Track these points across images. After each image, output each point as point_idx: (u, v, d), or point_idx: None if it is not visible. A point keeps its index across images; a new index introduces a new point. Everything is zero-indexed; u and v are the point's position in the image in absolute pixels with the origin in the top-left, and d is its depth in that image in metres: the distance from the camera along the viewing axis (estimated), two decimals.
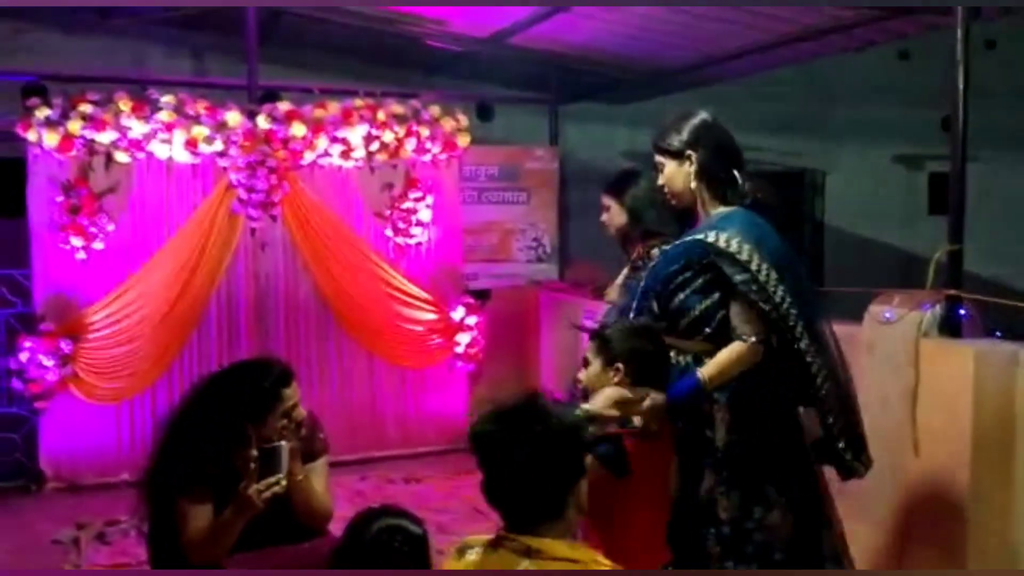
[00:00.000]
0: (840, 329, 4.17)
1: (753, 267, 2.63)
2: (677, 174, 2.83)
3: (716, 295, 2.69)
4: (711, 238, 2.68)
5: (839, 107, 7.76)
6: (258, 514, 2.59)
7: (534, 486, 1.81)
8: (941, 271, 3.71)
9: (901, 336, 3.65)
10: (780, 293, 2.65)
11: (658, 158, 2.91)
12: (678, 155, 2.82)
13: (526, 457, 1.79)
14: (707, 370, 2.64)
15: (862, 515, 3.86)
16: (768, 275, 2.64)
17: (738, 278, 2.63)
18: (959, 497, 3.37)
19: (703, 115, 2.87)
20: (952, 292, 3.63)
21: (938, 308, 3.61)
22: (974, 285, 3.84)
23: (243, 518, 2.59)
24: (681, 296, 2.72)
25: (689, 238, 2.77)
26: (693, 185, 2.81)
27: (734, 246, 2.65)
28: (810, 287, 2.95)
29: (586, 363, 2.69)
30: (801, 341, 2.73)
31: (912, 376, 3.57)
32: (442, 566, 1.97)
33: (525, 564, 1.78)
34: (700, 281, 2.71)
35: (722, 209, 2.80)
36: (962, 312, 3.66)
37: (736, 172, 2.86)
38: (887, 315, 3.74)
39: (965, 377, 3.35)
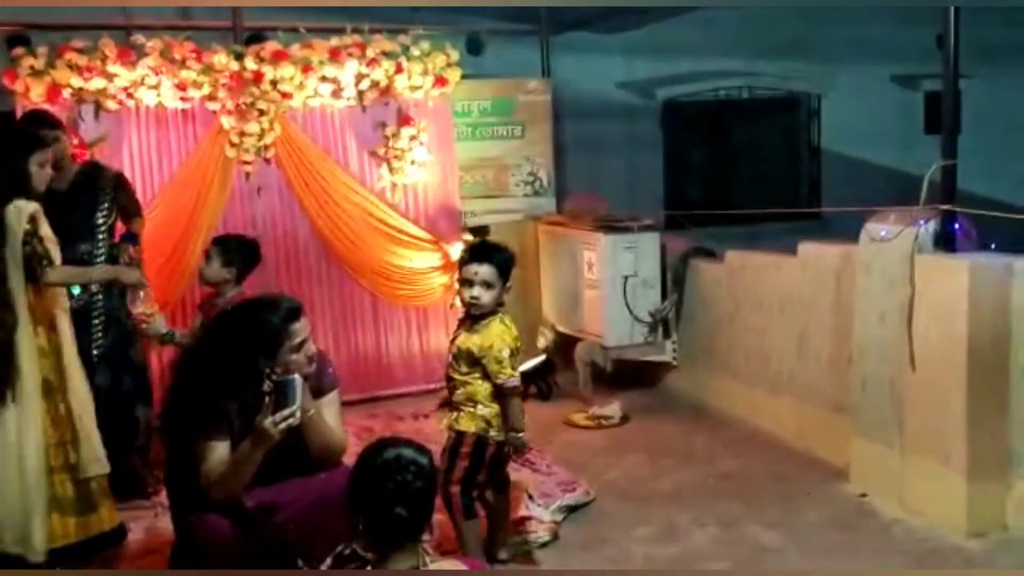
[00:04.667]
0: (837, 249, 4.26)
1: None
2: None
3: None
4: None
5: (833, 28, 7.64)
6: (274, 447, 2.66)
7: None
8: (936, 188, 3.73)
9: (897, 252, 3.69)
10: None
11: None
12: None
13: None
14: None
15: (862, 429, 3.96)
16: None
17: None
18: (956, 408, 3.45)
19: None
20: (946, 207, 3.65)
21: (933, 224, 3.64)
22: (971, 202, 3.86)
23: (260, 450, 2.65)
24: None
25: None
26: None
27: None
28: None
29: None
30: None
31: (908, 291, 3.62)
32: None
33: None
34: None
35: None
36: (956, 227, 3.69)
37: None
38: (883, 233, 3.78)
39: (960, 290, 3.40)
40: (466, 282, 3.20)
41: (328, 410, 2.89)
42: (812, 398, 4.48)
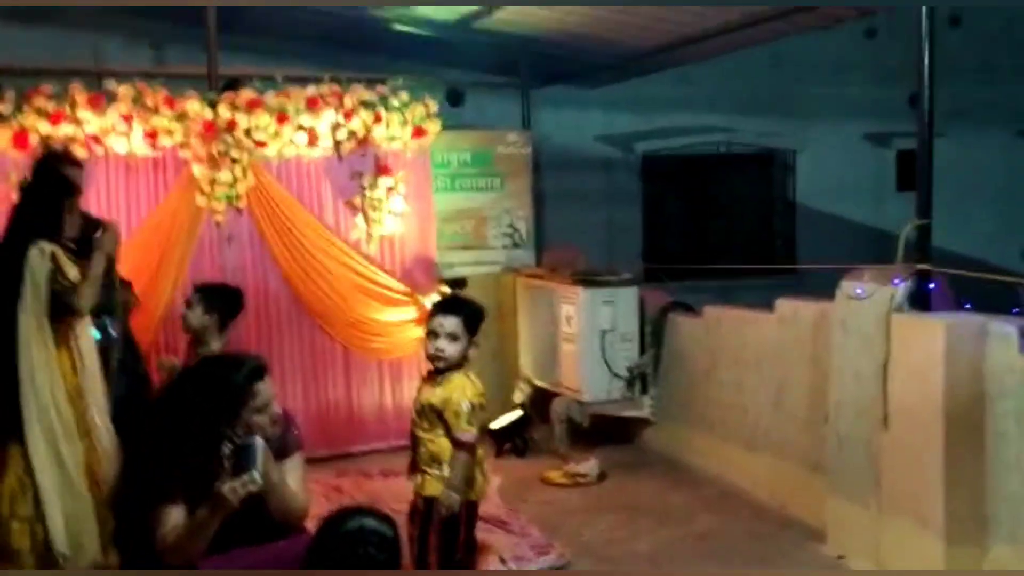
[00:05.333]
0: (813, 306, 4.24)
1: None
2: None
3: None
4: None
5: (808, 86, 7.78)
6: (232, 512, 2.55)
7: None
8: (910, 246, 3.73)
9: (873, 311, 3.67)
10: None
11: None
12: None
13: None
14: None
15: (839, 488, 3.90)
16: None
17: None
18: (933, 470, 3.40)
19: None
20: (921, 266, 3.65)
21: (908, 283, 3.63)
22: (944, 258, 3.87)
23: (218, 517, 2.54)
24: None
25: None
26: None
27: None
28: None
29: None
30: None
31: (884, 350, 3.59)
32: None
33: None
34: None
35: None
36: (932, 286, 3.69)
37: None
38: (858, 291, 3.76)
39: (936, 350, 3.37)
40: (432, 333, 3.14)
41: (291, 474, 2.79)
42: (788, 455, 4.42)
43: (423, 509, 3.11)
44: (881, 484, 3.65)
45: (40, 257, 3.19)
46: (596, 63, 6.43)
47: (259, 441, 2.59)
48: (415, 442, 3.17)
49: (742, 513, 4.39)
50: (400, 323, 5.55)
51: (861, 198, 8.07)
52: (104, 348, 3.80)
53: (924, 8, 3.64)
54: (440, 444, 3.08)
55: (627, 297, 5.21)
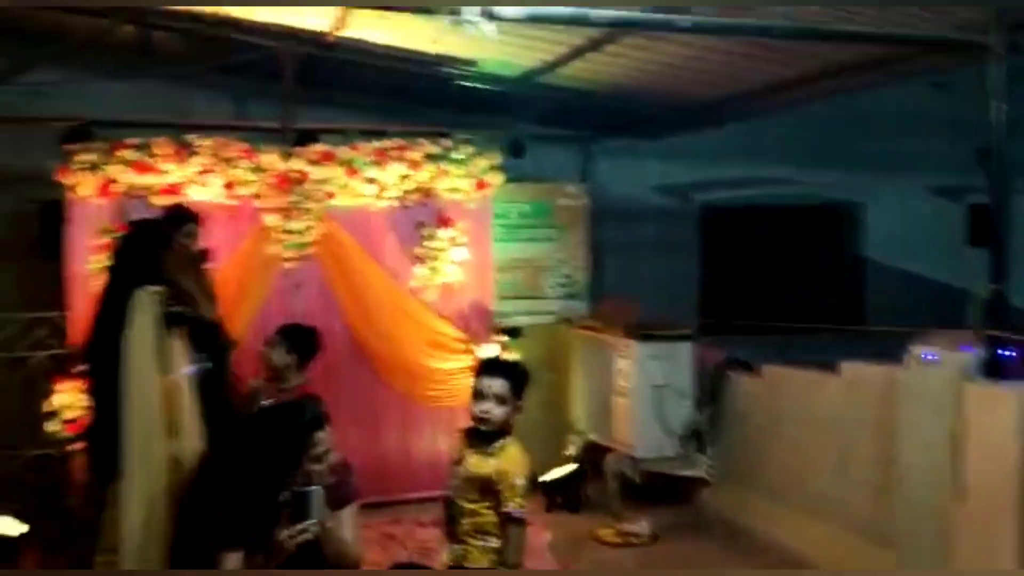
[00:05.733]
0: (881, 369, 4.14)
1: None
2: None
3: None
4: None
5: (875, 138, 7.66)
6: (288, 557, 2.59)
7: None
8: (984, 309, 3.63)
9: (943, 378, 3.57)
10: None
11: None
12: None
13: None
14: None
15: (907, 561, 3.75)
16: None
17: None
18: (1007, 545, 3.26)
19: None
20: (993, 332, 3.54)
21: (980, 349, 3.53)
22: (1020, 321, 3.74)
23: (273, 563, 2.58)
24: None
25: None
26: None
27: None
28: None
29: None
30: None
31: (954, 421, 3.48)
32: None
33: None
34: None
35: None
36: (1006, 353, 3.57)
37: None
38: (929, 356, 3.66)
39: (1009, 422, 3.26)
40: (478, 394, 3.00)
41: (346, 523, 2.83)
42: (853, 525, 4.28)
43: None
44: (953, 558, 3.51)
45: (147, 299, 3.46)
46: (654, 115, 6.46)
47: (317, 490, 2.63)
48: (453, 509, 3.00)
49: None
50: (455, 371, 5.59)
51: (932, 253, 7.84)
52: (201, 383, 3.94)
53: (992, 66, 3.60)
54: (488, 516, 2.92)
55: (683, 352, 5.16)
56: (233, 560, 2.66)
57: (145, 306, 3.47)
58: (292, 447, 2.70)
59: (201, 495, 2.82)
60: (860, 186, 7.86)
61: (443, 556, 3.04)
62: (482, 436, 2.99)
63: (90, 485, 3.92)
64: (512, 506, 2.89)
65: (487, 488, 2.91)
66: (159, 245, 3.81)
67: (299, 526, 2.56)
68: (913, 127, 7.61)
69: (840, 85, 5.29)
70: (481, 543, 2.92)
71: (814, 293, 7.88)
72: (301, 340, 4.26)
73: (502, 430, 2.99)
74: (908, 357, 3.79)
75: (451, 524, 2.99)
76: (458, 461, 3.01)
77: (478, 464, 2.94)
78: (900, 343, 3.85)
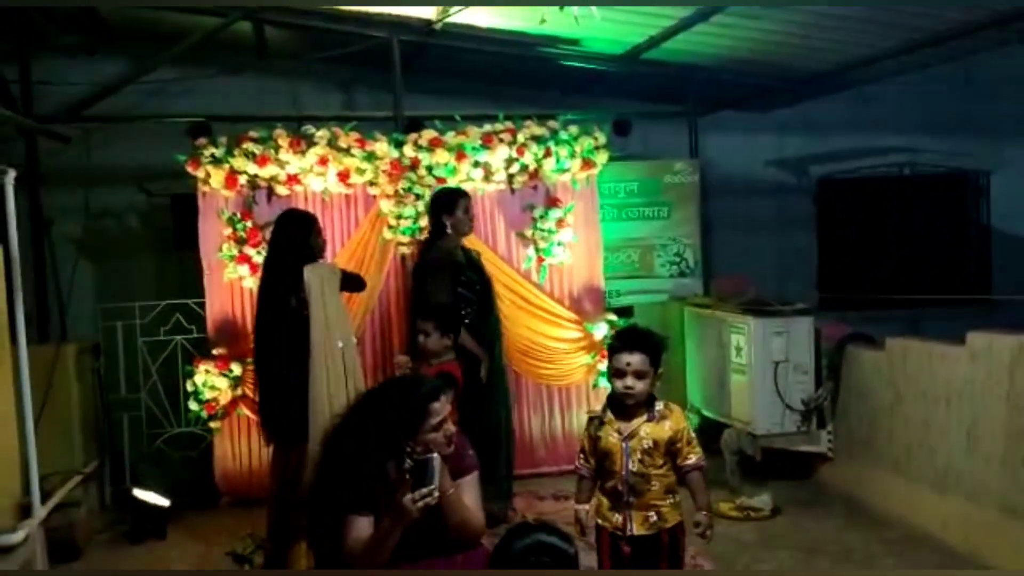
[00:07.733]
0: (1010, 339, 3.95)
1: None
2: None
3: None
4: None
5: (1001, 103, 7.24)
6: (413, 525, 2.70)
7: None
8: None
9: None
10: None
11: None
12: None
13: None
14: None
15: None
16: None
17: None
18: None
19: None
20: None
21: None
22: None
23: (399, 527, 2.70)
24: None
25: None
26: None
27: None
28: None
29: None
30: None
31: None
32: None
33: None
34: None
35: None
36: None
37: None
38: None
39: None
40: (618, 372, 3.03)
41: (467, 492, 2.91)
42: (983, 499, 4.10)
43: (667, 542, 3.05)
44: None
45: (325, 271, 4.11)
46: (765, 87, 6.31)
47: (436, 457, 2.74)
48: (636, 480, 3.02)
49: (928, 558, 4.11)
50: (568, 350, 5.65)
51: None
52: None
53: None
54: (672, 476, 3.04)
55: (801, 327, 5.05)
56: (363, 524, 2.80)
57: (324, 279, 4.04)
58: (410, 416, 2.82)
59: (330, 461, 2.97)
60: (984, 153, 7.45)
61: (634, 527, 3.04)
62: (631, 408, 3.05)
63: (276, 454, 4.28)
64: (695, 458, 3.04)
65: (669, 450, 3.02)
66: (311, 231, 4.29)
67: (421, 491, 2.67)
68: None
69: (960, 48, 5.03)
70: (671, 501, 3.05)
71: (938, 265, 7.54)
72: (450, 320, 4.30)
73: (651, 400, 3.06)
74: None
75: (628, 493, 3.03)
76: (629, 436, 3.03)
77: (655, 430, 3.02)
78: None
